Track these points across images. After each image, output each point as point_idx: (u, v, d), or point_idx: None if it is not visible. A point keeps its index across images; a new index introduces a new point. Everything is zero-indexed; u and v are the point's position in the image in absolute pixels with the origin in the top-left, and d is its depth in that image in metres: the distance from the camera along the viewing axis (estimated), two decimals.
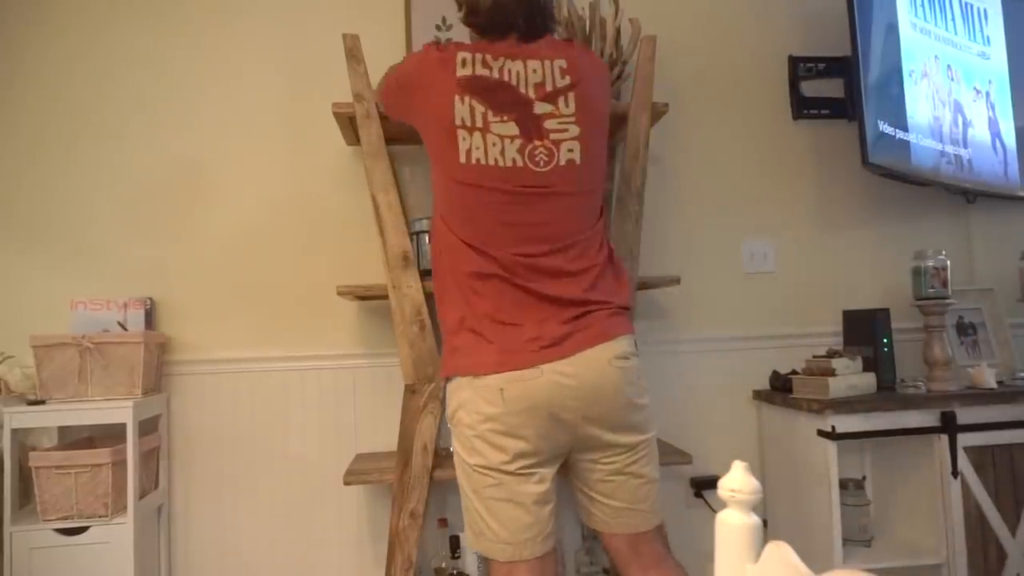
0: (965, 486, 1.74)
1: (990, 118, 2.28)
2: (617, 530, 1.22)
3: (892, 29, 2.07)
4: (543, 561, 1.16)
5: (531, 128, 1.20)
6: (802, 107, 2.18)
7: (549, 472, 1.18)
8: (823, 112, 2.18)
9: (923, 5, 2.17)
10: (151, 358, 1.75)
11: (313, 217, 1.96)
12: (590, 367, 1.14)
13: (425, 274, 1.73)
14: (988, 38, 2.32)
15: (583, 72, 1.24)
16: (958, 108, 2.20)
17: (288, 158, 1.97)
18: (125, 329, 1.78)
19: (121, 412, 1.61)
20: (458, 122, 1.19)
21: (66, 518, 1.58)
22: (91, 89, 1.93)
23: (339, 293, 1.71)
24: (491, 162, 1.18)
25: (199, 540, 1.87)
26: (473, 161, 1.19)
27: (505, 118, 1.20)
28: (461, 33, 2.06)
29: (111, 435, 1.73)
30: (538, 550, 1.15)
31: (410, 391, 1.64)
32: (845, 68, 2.14)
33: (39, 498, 1.58)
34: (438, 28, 2.02)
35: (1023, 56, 2.36)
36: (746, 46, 2.17)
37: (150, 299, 1.86)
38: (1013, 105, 2.33)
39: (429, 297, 1.68)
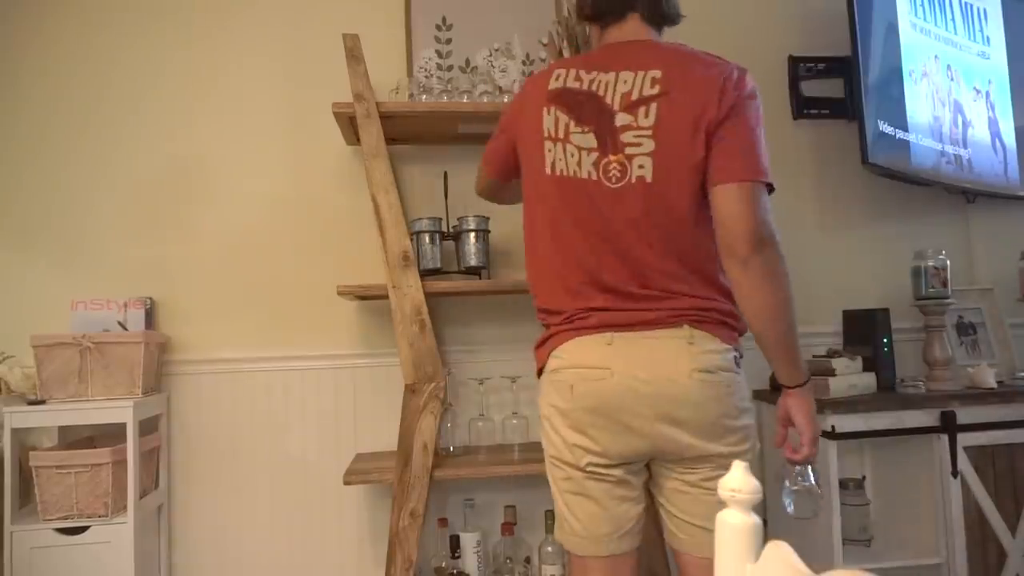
0: (965, 486, 1.74)
1: (990, 118, 2.28)
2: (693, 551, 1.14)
3: (892, 29, 2.07)
4: (618, 560, 1.14)
5: (608, 140, 1.13)
6: (802, 107, 2.18)
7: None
8: (823, 112, 2.19)
9: (923, 5, 2.17)
10: (151, 358, 1.75)
11: (313, 217, 1.96)
12: None
13: (425, 274, 1.73)
14: (988, 38, 2.32)
15: (678, 82, 1.11)
16: (958, 108, 2.20)
17: (288, 158, 1.97)
18: (125, 329, 1.78)
19: (121, 412, 1.61)
20: (545, 133, 1.17)
21: (66, 518, 1.58)
22: (91, 89, 1.93)
23: (339, 293, 1.71)
24: (570, 173, 1.15)
25: (199, 540, 1.87)
26: (557, 172, 1.16)
27: (585, 129, 1.14)
28: (461, 33, 2.07)
29: (111, 435, 1.73)
30: (614, 548, 1.13)
31: (410, 391, 1.64)
32: (845, 68, 2.14)
33: (39, 498, 1.58)
34: (438, 28, 2.02)
35: (1023, 56, 2.36)
36: (746, 46, 2.17)
37: (150, 299, 1.86)
38: (1013, 105, 2.33)
39: (429, 297, 1.68)
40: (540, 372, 1.22)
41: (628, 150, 1.12)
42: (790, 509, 1.22)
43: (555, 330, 1.18)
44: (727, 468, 0.54)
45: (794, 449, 1.19)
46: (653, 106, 1.11)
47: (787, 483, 1.22)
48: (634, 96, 1.13)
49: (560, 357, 1.15)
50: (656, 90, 1.12)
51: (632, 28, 1.21)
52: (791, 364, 1.15)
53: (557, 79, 1.19)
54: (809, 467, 1.20)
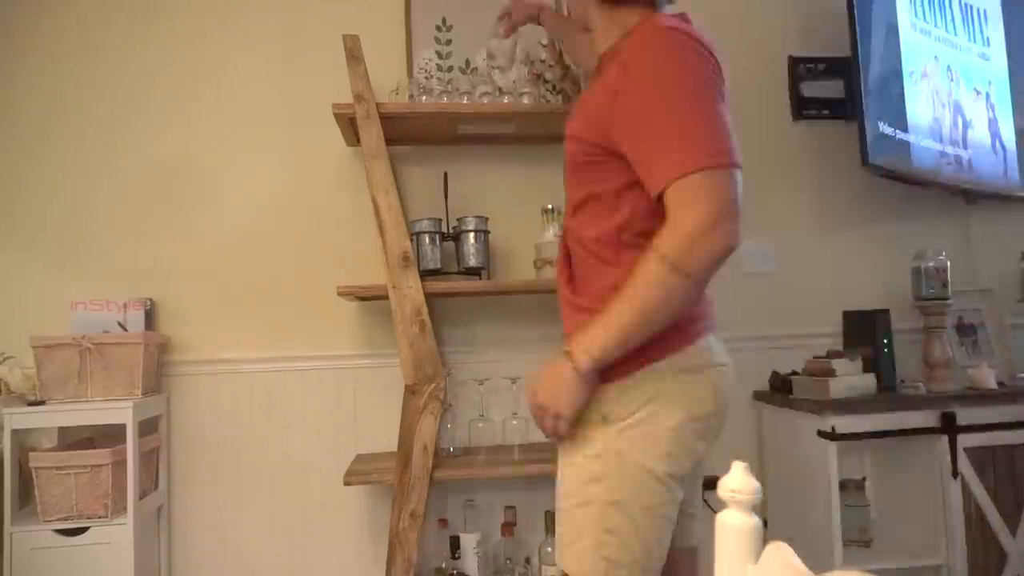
0: (965, 487, 1.74)
1: (990, 119, 2.28)
2: None
3: (892, 29, 2.07)
4: None
5: None
6: (802, 107, 2.18)
7: None
8: (823, 112, 2.18)
9: (923, 6, 2.17)
10: (151, 358, 1.75)
11: (313, 217, 1.96)
12: None
13: (425, 274, 1.73)
14: (988, 39, 2.32)
15: None
16: (958, 109, 2.20)
17: (288, 158, 1.97)
18: (125, 329, 1.78)
19: (121, 412, 1.62)
20: None
21: (66, 518, 1.58)
22: (90, 89, 1.92)
23: (339, 293, 1.71)
24: None
25: (199, 540, 1.87)
26: None
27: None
28: (461, 34, 2.07)
29: (111, 435, 1.73)
30: None
31: (410, 391, 1.64)
32: (845, 68, 2.14)
33: (39, 498, 1.58)
34: (438, 28, 2.02)
35: (1023, 57, 2.36)
36: (746, 46, 2.17)
37: (150, 299, 1.86)
38: (1013, 106, 2.33)
39: (429, 297, 1.68)
40: (641, 365, 1.03)
41: None
42: None
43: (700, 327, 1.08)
44: None
45: None
46: None
47: None
48: None
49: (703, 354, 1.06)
50: None
51: None
52: None
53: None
54: None
